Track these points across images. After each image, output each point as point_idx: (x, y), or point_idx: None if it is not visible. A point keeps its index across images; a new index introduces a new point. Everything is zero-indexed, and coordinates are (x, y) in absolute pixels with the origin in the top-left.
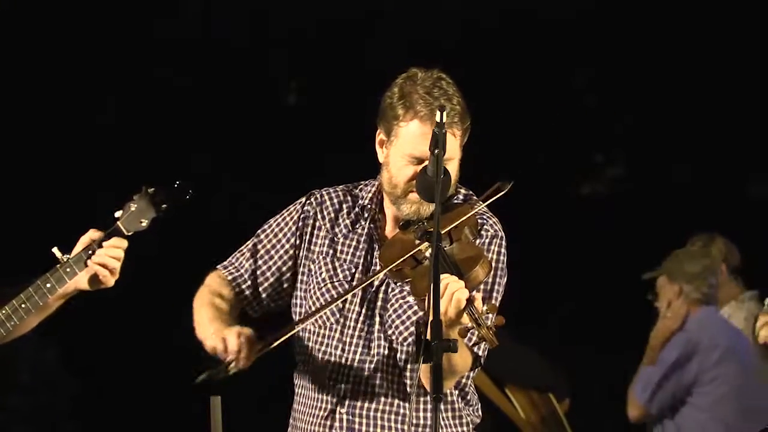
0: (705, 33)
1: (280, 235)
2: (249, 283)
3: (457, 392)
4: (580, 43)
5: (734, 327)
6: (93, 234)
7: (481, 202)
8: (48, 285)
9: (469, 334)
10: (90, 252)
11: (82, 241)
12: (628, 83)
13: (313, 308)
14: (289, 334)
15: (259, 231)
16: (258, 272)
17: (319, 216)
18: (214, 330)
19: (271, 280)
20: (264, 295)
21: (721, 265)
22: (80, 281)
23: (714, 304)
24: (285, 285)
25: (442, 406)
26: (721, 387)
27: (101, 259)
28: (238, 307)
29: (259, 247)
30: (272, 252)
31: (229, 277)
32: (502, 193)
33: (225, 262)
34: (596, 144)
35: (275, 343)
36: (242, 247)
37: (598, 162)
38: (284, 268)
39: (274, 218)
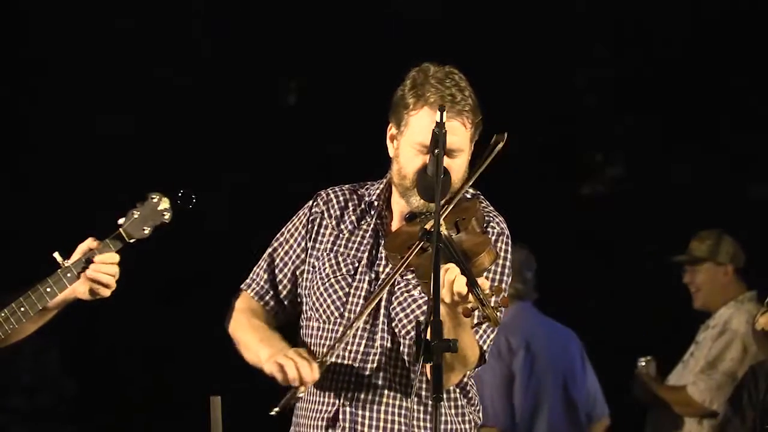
0: (705, 32)
1: (291, 241)
2: (272, 293)
3: (459, 390)
4: (581, 43)
5: (551, 322)
6: (91, 243)
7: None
8: (48, 289)
9: (473, 314)
10: (86, 262)
11: (80, 248)
12: (628, 83)
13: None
14: (342, 342)
15: (273, 241)
16: (277, 281)
17: (326, 215)
18: (268, 356)
19: (289, 286)
20: (286, 302)
21: (727, 265)
22: (78, 290)
23: (529, 300)
24: (300, 288)
25: (446, 403)
26: (543, 382)
27: (93, 275)
28: (272, 320)
29: (275, 256)
30: (286, 259)
31: (254, 296)
32: (501, 144)
33: (247, 280)
34: (596, 144)
35: (332, 356)
36: (260, 261)
37: (598, 162)
38: (297, 272)
39: (285, 226)
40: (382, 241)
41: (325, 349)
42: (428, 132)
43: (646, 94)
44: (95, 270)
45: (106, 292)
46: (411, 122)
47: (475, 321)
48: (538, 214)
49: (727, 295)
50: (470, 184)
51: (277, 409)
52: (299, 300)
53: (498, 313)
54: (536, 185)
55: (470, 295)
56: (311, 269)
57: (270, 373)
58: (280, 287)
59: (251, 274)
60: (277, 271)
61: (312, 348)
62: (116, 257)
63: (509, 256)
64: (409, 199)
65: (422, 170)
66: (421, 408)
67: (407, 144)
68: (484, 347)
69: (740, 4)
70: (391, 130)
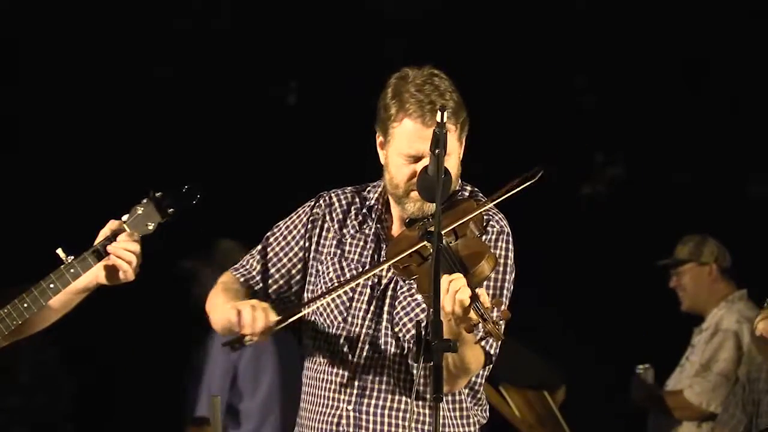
0: (705, 32)
1: (289, 238)
2: (261, 285)
3: (467, 391)
4: (581, 43)
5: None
6: (113, 224)
7: (487, 201)
8: (51, 285)
9: (475, 330)
10: (101, 249)
11: (102, 232)
12: (629, 83)
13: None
14: (304, 312)
15: (268, 234)
16: (268, 275)
17: (327, 218)
18: (231, 306)
19: (281, 282)
20: (274, 297)
21: (711, 265)
22: (100, 275)
23: None
24: (294, 288)
25: (450, 406)
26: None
27: (117, 251)
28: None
29: (269, 250)
30: (281, 254)
31: (242, 279)
32: (531, 182)
33: (236, 265)
34: (596, 144)
35: (292, 318)
36: (252, 251)
37: (598, 162)
38: (293, 271)
39: (283, 221)
40: (384, 246)
41: (332, 345)
42: (412, 142)
43: (646, 95)
44: (117, 247)
45: (130, 275)
46: (395, 133)
47: (478, 338)
48: (537, 214)
49: (714, 295)
50: (490, 205)
51: (222, 343)
52: (291, 299)
53: (499, 328)
54: (536, 185)
55: (471, 309)
56: (315, 272)
57: (227, 318)
58: (271, 281)
59: (241, 261)
60: (270, 265)
61: (316, 350)
62: (137, 237)
63: (511, 255)
64: (405, 206)
65: (423, 171)
66: (427, 411)
67: (394, 154)
68: (491, 351)
69: (738, 6)
70: (379, 138)
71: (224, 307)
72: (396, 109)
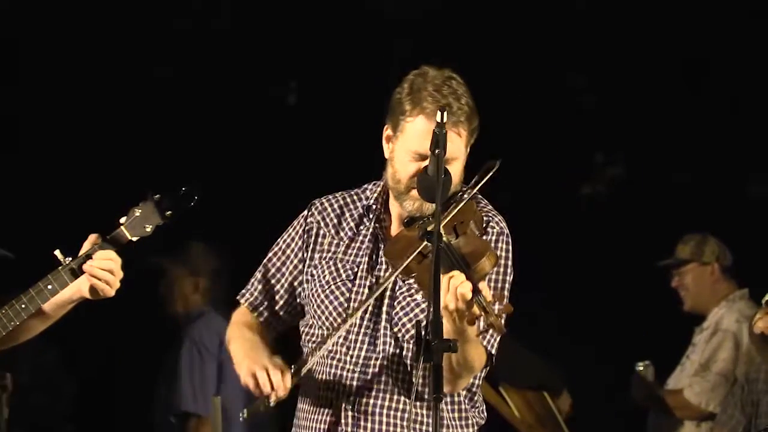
0: (705, 32)
1: (288, 251)
2: (266, 304)
3: (464, 392)
4: (581, 43)
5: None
6: (94, 239)
7: (478, 199)
8: (49, 286)
9: (477, 323)
10: (86, 258)
11: (84, 245)
12: (629, 83)
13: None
14: (317, 356)
15: (269, 251)
16: (273, 291)
17: (322, 224)
18: (246, 367)
19: (285, 296)
20: (282, 313)
21: (713, 264)
22: (83, 289)
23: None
24: (299, 299)
25: (448, 407)
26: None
27: (90, 270)
28: (266, 331)
29: (270, 266)
30: (283, 269)
31: (248, 306)
32: (494, 171)
33: (243, 290)
34: (596, 144)
35: (305, 369)
36: (256, 271)
37: (598, 162)
38: (295, 283)
39: (281, 236)
40: (382, 245)
41: (312, 354)
42: (423, 140)
43: (646, 95)
44: (91, 265)
45: (109, 291)
46: (407, 129)
47: (480, 330)
48: (537, 215)
49: (716, 294)
50: (460, 207)
51: (245, 413)
52: (298, 310)
53: (501, 321)
54: (536, 185)
55: (473, 302)
56: (310, 278)
57: (245, 384)
58: (277, 297)
59: (248, 284)
60: (274, 281)
61: (315, 350)
62: (113, 254)
63: (510, 255)
64: (404, 203)
65: (423, 171)
66: (425, 412)
67: (402, 150)
68: (492, 351)
69: (738, 6)
70: (387, 131)
71: (241, 365)
72: (411, 106)
